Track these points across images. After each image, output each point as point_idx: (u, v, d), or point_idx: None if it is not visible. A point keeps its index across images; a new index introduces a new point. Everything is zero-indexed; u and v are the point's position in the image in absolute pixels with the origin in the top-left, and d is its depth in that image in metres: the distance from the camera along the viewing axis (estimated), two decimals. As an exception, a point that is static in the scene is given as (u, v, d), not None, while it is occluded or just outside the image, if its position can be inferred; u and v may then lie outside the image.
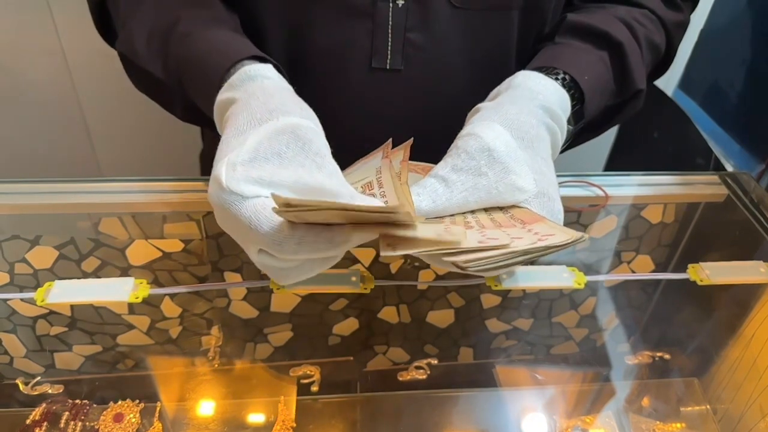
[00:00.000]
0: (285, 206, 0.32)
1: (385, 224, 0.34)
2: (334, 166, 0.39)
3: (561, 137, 0.47)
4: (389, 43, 0.53)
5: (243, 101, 0.41)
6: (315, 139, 0.39)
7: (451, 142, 0.48)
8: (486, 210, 0.43)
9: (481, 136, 0.42)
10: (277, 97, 0.41)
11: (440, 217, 0.41)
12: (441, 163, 0.42)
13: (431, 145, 0.56)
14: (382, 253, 0.34)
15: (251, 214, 0.35)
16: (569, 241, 0.36)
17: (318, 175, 0.37)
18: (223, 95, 0.44)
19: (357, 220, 0.34)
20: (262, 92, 0.42)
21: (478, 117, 0.45)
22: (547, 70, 0.49)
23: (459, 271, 0.35)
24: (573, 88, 0.49)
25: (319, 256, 0.35)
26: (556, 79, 0.48)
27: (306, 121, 0.40)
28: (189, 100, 0.50)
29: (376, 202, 0.39)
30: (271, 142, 0.37)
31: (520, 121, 0.43)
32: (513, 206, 0.43)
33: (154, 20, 0.50)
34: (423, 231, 0.35)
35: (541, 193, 0.42)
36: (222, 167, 0.36)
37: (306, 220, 0.34)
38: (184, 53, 0.48)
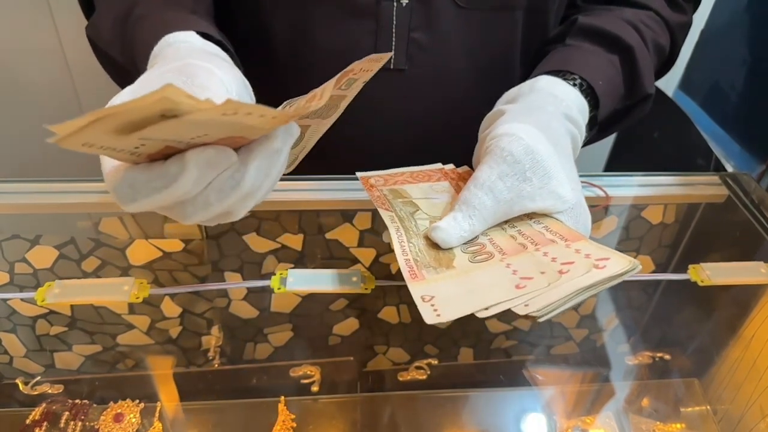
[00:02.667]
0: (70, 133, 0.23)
1: (234, 138, 0.29)
2: (219, 93, 0.34)
3: (579, 145, 0.47)
4: (393, 43, 0.53)
5: (157, 65, 0.39)
6: (201, 75, 0.34)
7: (454, 141, 0.47)
8: (510, 222, 0.41)
9: (522, 137, 0.39)
10: (184, 54, 0.39)
11: None
12: (485, 168, 0.39)
13: (434, 144, 0.55)
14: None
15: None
16: (628, 269, 0.34)
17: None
18: (148, 66, 0.42)
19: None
20: (174, 53, 0.40)
21: (507, 118, 0.42)
22: (563, 75, 0.48)
23: (531, 320, 0.34)
24: (590, 94, 0.48)
25: (161, 200, 0.29)
26: (574, 84, 0.48)
27: (201, 62, 0.36)
28: None
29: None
30: (151, 81, 0.35)
31: (552, 128, 0.42)
32: (544, 216, 0.40)
33: (119, 5, 0.49)
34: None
35: (577, 203, 0.40)
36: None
37: (148, 152, 0.28)
38: (136, 35, 0.47)
